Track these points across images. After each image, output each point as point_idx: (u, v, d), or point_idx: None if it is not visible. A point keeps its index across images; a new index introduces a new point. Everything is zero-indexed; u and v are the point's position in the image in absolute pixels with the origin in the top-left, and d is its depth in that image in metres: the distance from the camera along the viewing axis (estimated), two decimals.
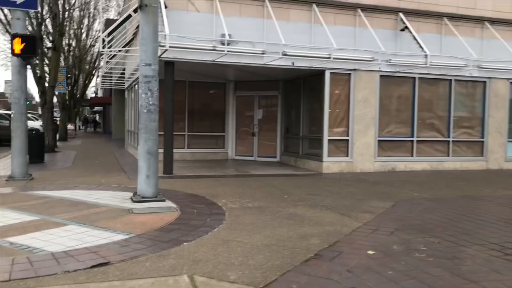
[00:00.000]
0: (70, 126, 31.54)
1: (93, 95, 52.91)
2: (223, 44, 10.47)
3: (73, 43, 33.79)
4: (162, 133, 10.15)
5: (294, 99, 13.93)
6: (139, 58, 7.03)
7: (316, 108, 12.66)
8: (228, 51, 10.37)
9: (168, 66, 10.81)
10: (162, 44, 9.37)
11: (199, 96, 15.28)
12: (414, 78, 12.76)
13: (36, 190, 8.04)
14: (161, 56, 10.30)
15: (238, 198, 7.51)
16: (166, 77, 10.82)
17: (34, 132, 13.28)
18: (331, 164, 11.95)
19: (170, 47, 9.75)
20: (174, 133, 14.38)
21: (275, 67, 11.42)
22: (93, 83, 45.61)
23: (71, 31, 32.15)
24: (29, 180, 9.30)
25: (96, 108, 56.04)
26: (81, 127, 47.46)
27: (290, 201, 7.43)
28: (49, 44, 21.85)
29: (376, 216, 6.31)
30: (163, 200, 6.89)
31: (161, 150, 8.81)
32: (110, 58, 14.00)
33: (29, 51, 9.03)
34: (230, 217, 6.02)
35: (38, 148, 13.08)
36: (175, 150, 14.47)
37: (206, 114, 15.37)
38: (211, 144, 15.32)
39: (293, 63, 11.46)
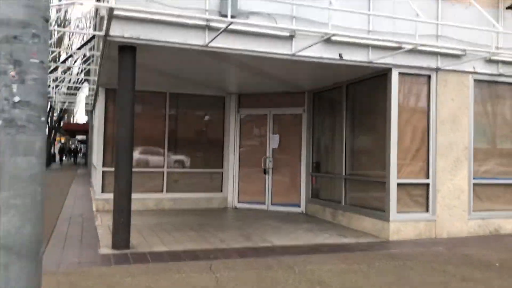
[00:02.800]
0: None
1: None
2: (223, 16, 5.82)
3: None
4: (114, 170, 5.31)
5: (328, 118, 9.20)
6: None
7: (370, 132, 7.92)
8: (232, 25, 5.69)
9: (125, 55, 6.08)
10: None
11: (185, 115, 10.54)
12: None
13: None
14: (110, 34, 5.59)
15: None
16: (121, 76, 6.08)
17: None
18: (402, 225, 7.10)
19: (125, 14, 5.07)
20: (148, 169, 9.50)
21: (307, 62, 6.73)
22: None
23: None
24: None
25: (80, 137, 51.22)
26: (63, 158, 42.48)
27: None
28: None
29: None
30: None
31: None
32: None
33: None
34: None
35: None
36: (148, 195, 9.62)
37: (195, 141, 10.59)
38: (202, 186, 10.45)
39: (340, 55, 6.77)
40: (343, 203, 8.39)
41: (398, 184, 7.12)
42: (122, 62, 6.07)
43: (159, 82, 9.32)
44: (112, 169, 6.64)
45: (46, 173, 1.99)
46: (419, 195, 7.36)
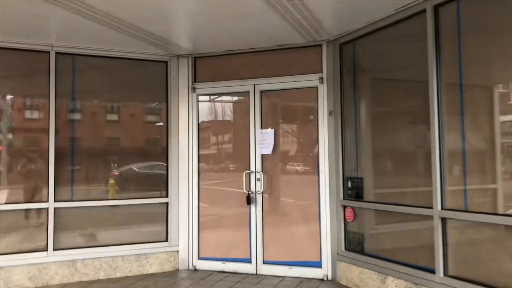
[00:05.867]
0: None
1: None
2: None
3: None
4: None
5: (383, 92, 4.52)
6: None
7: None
8: None
9: None
10: None
11: (88, 101, 5.52)
12: None
13: None
14: None
15: None
16: None
17: None
18: None
19: None
20: (12, 206, 4.35)
21: None
22: None
23: None
24: None
25: None
26: None
27: None
28: None
29: None
30: None
31: None
32: None
33: None
34: None
35: None
36: (15, 259, 4.49)
37: (109, 151, 5.61)
38: (129, 232, 5.44)
39: None
40: (441, 273, 3.67)
41: None
42: None
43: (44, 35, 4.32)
44: None
45: None
46: None
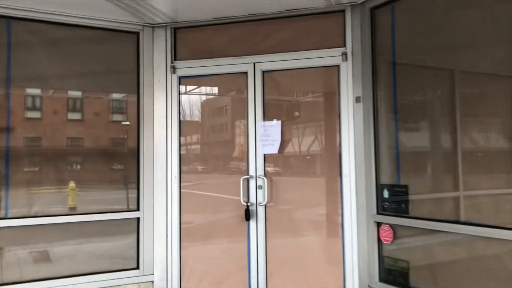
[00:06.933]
0: None
1: None
2: None
3: None
4: None
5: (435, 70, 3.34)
6: None
7: None
8: None
9: None
10: None
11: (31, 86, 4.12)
12: None
13: None
14: None
15: None
16: None
17: None
18: None
19: None
20: None
21: None
22: None
23: None
24: None
25: None
26: None
27: None
28: None
29: None
30: None
31: None
32: None
33: None
34: None
35: None
36: None
37: (64, 151, 4.21)
38: (89, 257, 4.06)
39: None
40: None
41: None
42: None
43: None
44: None
45: None
46: None
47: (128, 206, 4.25)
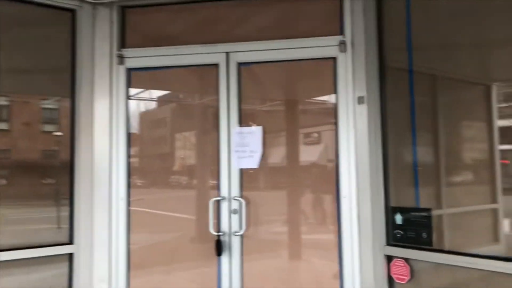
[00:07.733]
0: None
1: None
2: None
3: None
4: None
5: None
6: None
7: None
8: None
9: None
10: None
11: None
12: None
13: None
14: None
15: None
16: None
17: None
18: None
19: None
20: None
21: None
22: None
23: None
24: None
25: None
26: None
27: None
28: None
29: None
30: None
31: None
32: None
33: None
34: None
35: None
36: None
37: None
38: None
39: None
40: None
41: None
42: None
43: None
44: None
45: None
46: None
47: (55, 235, 3.19)
